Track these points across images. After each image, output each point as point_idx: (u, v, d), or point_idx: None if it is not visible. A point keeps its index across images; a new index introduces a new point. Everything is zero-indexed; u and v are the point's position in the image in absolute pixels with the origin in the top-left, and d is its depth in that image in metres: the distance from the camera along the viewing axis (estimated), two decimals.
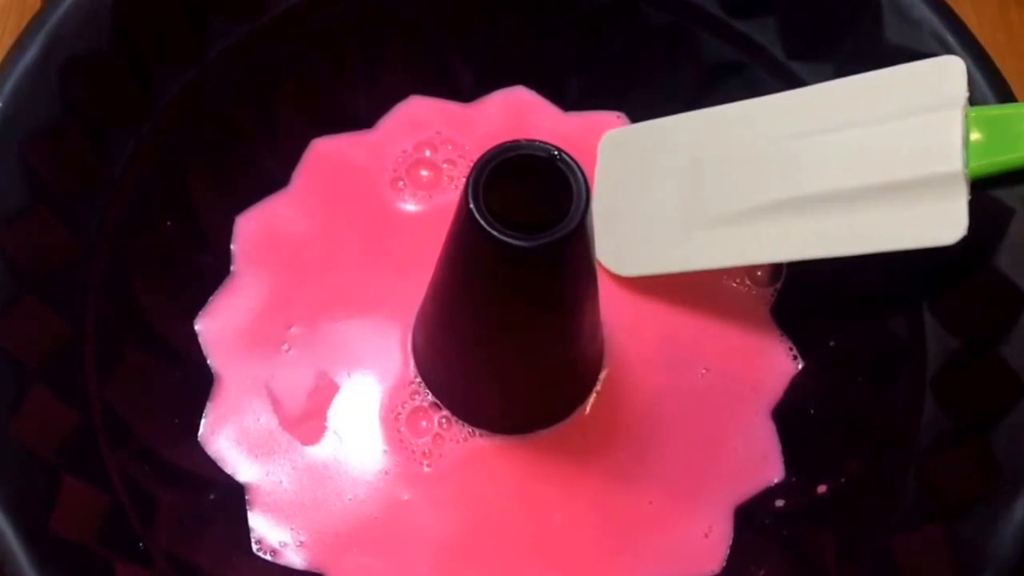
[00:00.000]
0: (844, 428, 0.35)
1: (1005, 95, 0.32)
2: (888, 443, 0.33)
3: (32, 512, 0.27)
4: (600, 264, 0.36)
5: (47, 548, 0.27)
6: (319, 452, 0.35)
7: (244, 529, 0.34)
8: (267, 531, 0.34)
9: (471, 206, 0.27)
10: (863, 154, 0.30)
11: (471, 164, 0.28)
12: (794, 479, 0.35)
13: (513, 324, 0.31)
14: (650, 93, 0.39)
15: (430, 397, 0.36)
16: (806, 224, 0.31)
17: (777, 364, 0.37)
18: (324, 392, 0.36)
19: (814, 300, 0.37)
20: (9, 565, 0.26)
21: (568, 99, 0.41)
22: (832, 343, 0.36)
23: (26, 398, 0.28)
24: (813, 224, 0.31)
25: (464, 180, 0.28)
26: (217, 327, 0.37)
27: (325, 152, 0.40)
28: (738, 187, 0.33)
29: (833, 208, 0.31)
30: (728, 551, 0.34)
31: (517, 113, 0.40)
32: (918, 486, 0.31)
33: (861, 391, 0.35)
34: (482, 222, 0.27)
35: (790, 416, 0.36)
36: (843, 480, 0.33)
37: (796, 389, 0.36)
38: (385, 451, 0.35)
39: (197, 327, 0.36)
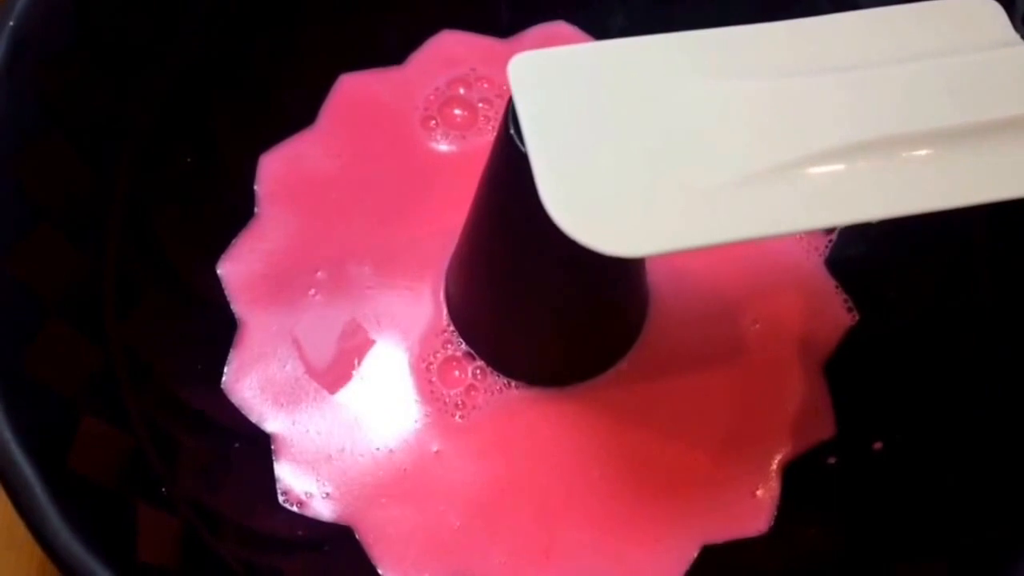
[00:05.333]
0: (901, 385, 0.33)
1: None
2: (947, 402, 0.31)
3: (48, 445, 0.25)
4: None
5: (65, 482, 0.25)
6: (347, 401, 0.34)
7: (270, 479, 0.32)
8: (293, 482, 0.33)
9: (511, 132, 0.26)
10: (954, 88, 0.28)
11: (508, 103, 0.26)
12: (847, 436, 0.33)
13: (555, 265, 0.30)
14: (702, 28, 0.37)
15: (463, 346, 0.34)
16: (891, 174, 0.28)
17: (831, 316, 0.35)
18: (352, 339, 0.34)
19: (872, 250, 0.35)
20: (24, 496, 0.24)
21: (611, 34, 0.38)
22: (891, 295, 0.34)
23: (42, 331, 0.27)
24: (898, 173, 0.28)
25: (500, 120, 0.26)
26: (240, 271, 0.35)
27: (353, 88, 0.38)
28: (790, 128, 0.29)
29: (923, 152, 0.28)
30: (776, 510, 0.33)
31: None
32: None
33: (920, 347, 0.33)
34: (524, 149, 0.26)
35: (844, 371, 0.34)
36: (899, 437, 0.32)
37: (851, 343, 0.34)
38: (416, 401, 0.34)
39: (219, 271, 0.35)
